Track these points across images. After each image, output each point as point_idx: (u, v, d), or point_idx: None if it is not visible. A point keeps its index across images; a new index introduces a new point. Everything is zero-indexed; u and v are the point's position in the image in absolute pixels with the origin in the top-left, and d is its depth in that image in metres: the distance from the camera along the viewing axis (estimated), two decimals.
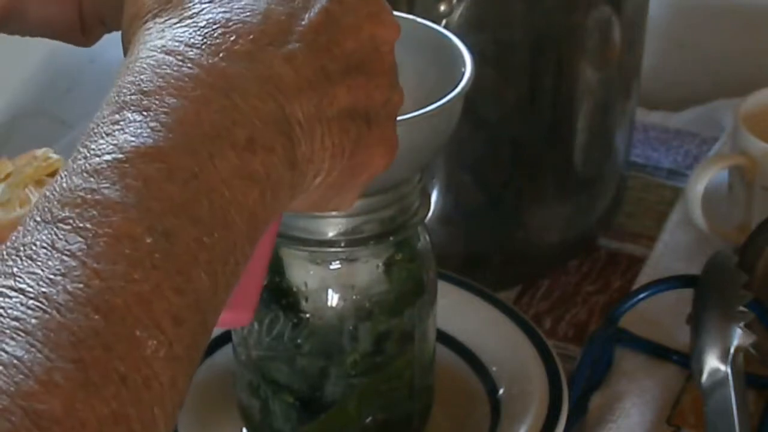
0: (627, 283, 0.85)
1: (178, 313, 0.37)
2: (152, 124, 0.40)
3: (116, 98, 0.41)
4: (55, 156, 0.79)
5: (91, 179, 0.38)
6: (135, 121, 0.40)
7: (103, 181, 0.38)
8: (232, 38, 0.43)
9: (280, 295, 0.64)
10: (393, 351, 0.65)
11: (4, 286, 0.36)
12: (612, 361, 0.77)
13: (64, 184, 0.38)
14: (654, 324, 0.79)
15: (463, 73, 0.60)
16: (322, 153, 0.45)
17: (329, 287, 0.63)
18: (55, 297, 0.35)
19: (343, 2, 0.46)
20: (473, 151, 0.80)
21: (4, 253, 0.37)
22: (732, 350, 0.69)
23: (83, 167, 0.39)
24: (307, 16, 0.45)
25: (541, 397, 0.69)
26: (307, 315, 0.64)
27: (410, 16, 0.64)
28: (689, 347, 0.73)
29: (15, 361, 0.34)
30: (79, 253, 0.36)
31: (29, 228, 0.38)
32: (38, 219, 0.38)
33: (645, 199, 0.94)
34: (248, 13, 0.44)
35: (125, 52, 0.45)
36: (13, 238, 0.38)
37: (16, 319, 0.35)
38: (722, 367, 0.69)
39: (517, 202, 0.83)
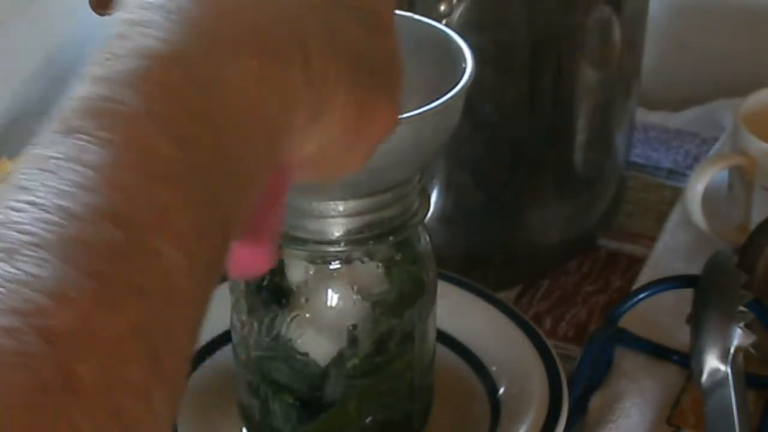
0: (627, 283, 0.85)
1: (201, 226, 0.36)
2: (172, 26, 0.38)
3: None
4: None
5: (109, 86, 0.36)
6: (154, 21, 0.38)
7: (124, 89, 0.36)
8: None
9: (280, 295, 0.64)
10: (393, 351, 0.65)
11: (17, 200, 0.34)
12: (612, 361, 0.77)
13: (83, 93, 0.37)
14: (654, 324, 0.79)
15: (464, 71, 0.60)
16: (333, 81, 0.43)
17: (329, 287, 0.63)
18: (71, 209, 0.33)
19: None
20: (473, 151, 0.80)
21: (19, 168, 0.36)
22: (732, 350, 0.69)
23: (101, 74, 0.37)
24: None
25: (541, 397, 0.69)
26: (308, 315, 0.64)
27: (411, 15, 0.64)
28: (689, 347, 0.73)
29: (30, 279, 0.32)
30: (97, 164, 0.35)
31: (44, 142, 0.36)
32: (54, 130, 0.36)
33: (645, 199, 0.94)
34: None
35: None
36: (28, 153, 0.36)
37: (29, 233, 0.33)
38: (722, 367, 0.69)
39: (517, 202, 0.84)
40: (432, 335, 0.68)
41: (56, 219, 0.33)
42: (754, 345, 0.70)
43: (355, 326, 0.64)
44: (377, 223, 0.62)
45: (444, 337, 0.73)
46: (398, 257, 0.64)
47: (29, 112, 1.01)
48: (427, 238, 0.66)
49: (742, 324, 0.70)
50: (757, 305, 0.72)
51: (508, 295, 0.83)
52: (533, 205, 0.84)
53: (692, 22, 1.09)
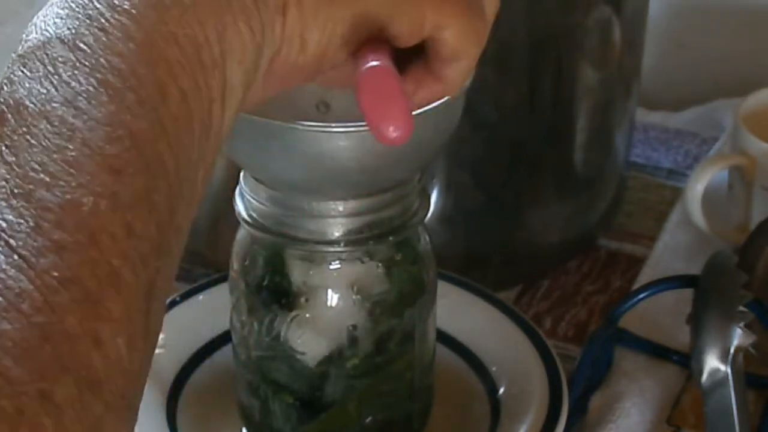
0: (627, 283, 0.85)
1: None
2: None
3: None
4: None
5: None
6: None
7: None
8: None
9: (280, 295, 0.64)
10: (393, 351, 0.65)
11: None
12: (612, 361, 0.77)
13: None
14: (654, 324, 0.79)
15: None
16: None
17: (329, 287, 0.63)
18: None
19: None
20: (473, 151, 0.80)
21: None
22: (732, 350, 0.69)
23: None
24: None
25: (541, 397, 0.69)
26: (308, 315, 0.64)
27: None
28: (689, 347, 0.73)
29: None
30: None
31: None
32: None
33: (645, 199, 0.94)
34: None
35: None
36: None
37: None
38: (722, 367, 0.69)
39: (517, 202, 0.84)
40: (432, 335, 0.68)
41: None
42: (754, 345, 0.70)
43: (355, 326, 0.64)
44: (377, 223, 0.62)
45: (444, 337, 0.73)
46: (398, 257, 0.64)
47: None
48: (427, 238, 0.66)
49: (742, 324, 0.69)
50: (757, 305, 0.72)
51: (508, 295, 0.84)
52: (533, 205, 0.84)
53: (692, 22, 1.09)
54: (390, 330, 0.65)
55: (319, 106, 0.62)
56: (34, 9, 0.49)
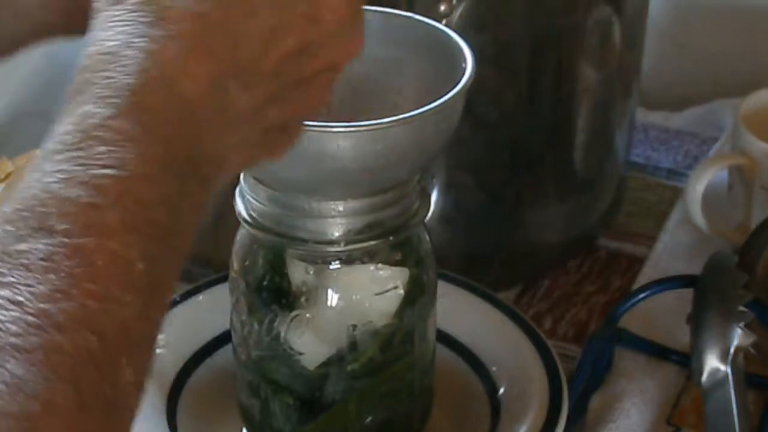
0: (627, 283, 0.85)
1: (144, 341, 0.38)
2: (150, 144, 0.40)
3: (113, 97, 0.41)
4: None
5: (93, 193, 0.38)
6: (135, 136, 0.40)
7: (106, 199, 0.38)
8: (209, 61, 0.43)
9: (280, 295, 0.64)
10: (393, 351, 0.65)
11: (1, 297, 0.35)
12: (612, 361, 0.77)
13: (63, 192, 0.38)
14: (654, 324, 0.79)
15: (464, 71, 0.60)
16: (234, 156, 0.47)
17: (329, 287, 0.63)
18: (53, 315, 0.35)
19: (322, 25, 0.47)
20: (473, 151, 0.80)
21: None
22: (732, 350, 0.69)
23: (84, 176, 0.38)
24: (281, 41, 0.46)
25: (541, 397, 0.69)
26: (308, 315, 0.64)
27: (412, 15, 0.64)
28: (689, 347, 0.73)
29: (16, 381, 0.34)
30: (77, 271, 0.36)
31: (23, 233, 0.37)
32: (35, 225, 0.37)
33: (645, 199, 0.94)
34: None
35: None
36: (2, 238, 0.37)
37: (16, 335, 0.35)
38: (722, 367, 0.69)
39: (517, 202, 0.83)
40: (432, 335, 0.68)
41: (39, 323, 0.35)
42: (754, 345, 0.70)
43: (355, 326, 0.64)
44: (377, 223, 0.62)
45: (444, 337, 0.73)
46: (398, 257, 0.64)
47: (29, 112, 1.00)
48: (427, 238, 0.66)
49: (742, 324, 0.69)
50: (757, 305, 0.72)
51: (508, 295, 0.83)
52: (533, 205, 0.84)
53: (692, 22, 1.09)
54: (390, 330, 0.65)
55: None
56: None
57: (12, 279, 0.36)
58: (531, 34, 0.78)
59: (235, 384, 0.69)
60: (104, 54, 0.42)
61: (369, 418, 0.66)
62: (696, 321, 0.73)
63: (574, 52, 0.80)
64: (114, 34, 0.42)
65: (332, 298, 0.63)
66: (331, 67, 0.49)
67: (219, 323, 0.73)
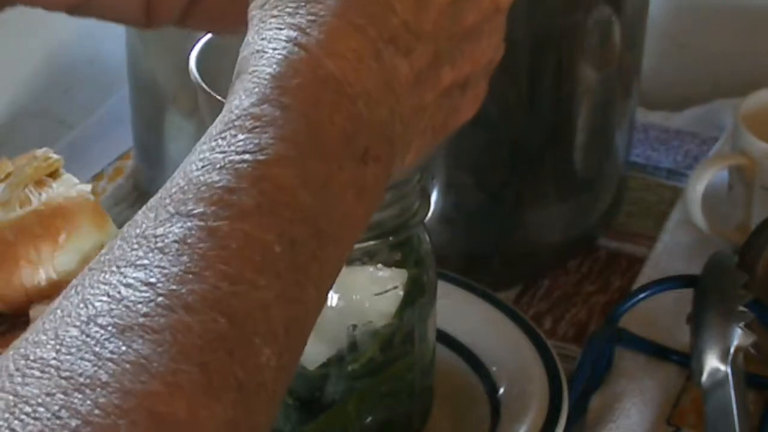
0: (627, 283, 0.85)
1: (290, 323, 0.37)
2: (291, 126, 0.39)
3: (255, 87, 0.40)
4: (55, 156, 0.79)
5: (230, 178, 0.38)
6: (276, 119, 0.39)
7: (242, 182, 0.38)
8: (356, 36, 0.42)
9: None
10: (393, 351, 0.65)
11: (134, 278, 0.35)
12: (612, 361, 0.77)
13: (201, 177, 0.38)
14: (654, 324, 0.79)
15: None
16: (416, 138, 0.45)
17: None
18: (183, 296, 0.35)
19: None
20: (473, 151, 0.80)
21: (133, 239, 0.37)
22: (732, 350, 0.69)
23: (222, 162, 0.38)
24: (433, 2, 0.44)
25: (541, 397, 0.69)
26: None
27: None
28: (689, 347, 0.73)
29: (142, 360, 0.33)
30: (211, 254, 0.36)
31: (161, 218, 0.37)
32: (171, 210, 0.37)
33: (645, 199, 0.94)
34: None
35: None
36: (141, 222, 0.37)
37: (145, 315, 0.34)
38: (722, 367, 0.69)
39: (517, 202, 0.83)
40: (432, 335, 0.68)
41: (169, 304, 0.35)
42: (754, 345, 0.70)
43: (355, 326, 0.64)
44: (377, 223, 0.62)
45: (444, 337, 0.73)
46: (398, 257, 0.64)
47: (29, 112, 1.01)
48: (427, 238, 0.66)
49: (742, 324, 0.70)
50: (757, 305, 0.72)
51: (508, 295, 0.83)
52: (533, 205, 0.84)
53: (692, 22, 1.09)
54: (390, 330, 0.65)
55: None
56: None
57: (146, 261, 0.36)
58: (531, 34, 0.78)
59: None
60: (253, 53, 0.42)
61: (369, 418, 0.66)
62: (696, 321, 0.73)
63: (574, 52, 0.80)
64: (262, 32, 0.42)
65: (332, 298, 0.63)
66: (494, 9, 0.47)
67: None
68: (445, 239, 0.80)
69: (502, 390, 0.72)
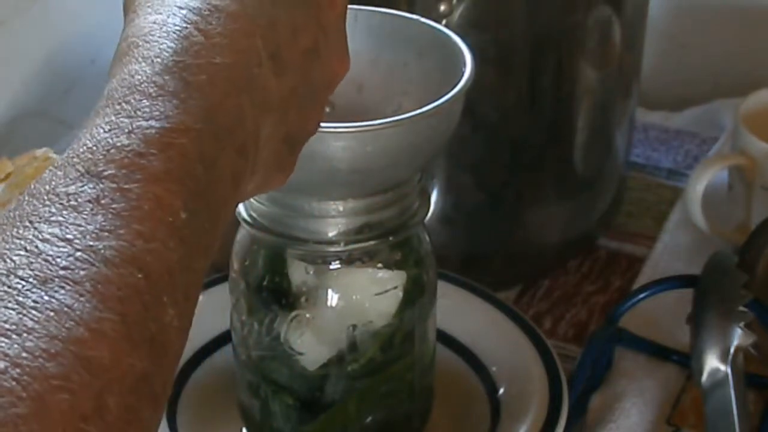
0: (627, 283, 0.85)
1: (189, 290, 0.39)
2: (194, 101, 0.41)
3: (157, 57, 0.42)
4: (55, 156, 0.79)
5: (139, 143, 0.39)
6: (178, 91, 0.41)
7: (151, 148, 0.39)
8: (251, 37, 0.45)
9: (280, 295, 0.64)
10: (393, 351, 0.65)
11: (50, 234, 0.36)
12: (612, 361, 0.77)
13: (110, 140, 0.39)
14: (654, 324, 0.79)
15: (463, 73, 0.60)
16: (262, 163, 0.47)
17: (329, 287, 0.63)
18: (101, 251, 0.36)
19: (327, 35, 0.49)
20: (473, 151, 0.80)
21: (44, 196, 0.38)
22: (732, 350, 0.69)
23: (130, 127, 0.40)
24: (302, 37, 0.47)
25: (541, 397, 0.69)
26: (308, 315, 0.64)
27: (413, 16, 0.64)
28: (689, 347, 0.73)
29: (65, 309, 0.34)
30: (124, 213, 0.37)
31: (71, 177, 0.38)
32: (81, 170, 0.38)
33: (645, 199, 0.94)
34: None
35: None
36: (50, 180, 0.38)
37: (65, 268, 0.35)
38: (722, 367, 0.69)
39: (517, 202, 0.84)
40: (432, 335, 0.68)
41: (88, 258, 0.36)
42: (754, 345, 0.70)
43: (355, 327, 0.64)
44: (377, 223, 0.62)
45: (444, 337, 0.73)
46: (398, 257, 0.64)
47: (29, 112, 1.01)
48: (427, 238, 0.66)
49: (742, 324, 0.70)
50: (757, 305, 0.72)
51: (508, 295, 0.84)
52: (533, 205, 0.84)
53: (692, 22, 1.09)
54: (390, 330, 0.65)
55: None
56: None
57: (61, 218, 0.37)
58: (531, 34, 0.78)
59: (235, 384, 0.69)
60: (151, 23, 0.44)
61: (369, 418, 0.66)
62: (696, 321, 0.73)
63: (574, 52, 0.80)
64: (158, 8, 0.44)
65: (332, 299, 0.63)
66: (331, 79, 0.50)
67: (219, 323, 0.73)
68: (445, 239, 0.80)
69: (502, 390, 0.72)
